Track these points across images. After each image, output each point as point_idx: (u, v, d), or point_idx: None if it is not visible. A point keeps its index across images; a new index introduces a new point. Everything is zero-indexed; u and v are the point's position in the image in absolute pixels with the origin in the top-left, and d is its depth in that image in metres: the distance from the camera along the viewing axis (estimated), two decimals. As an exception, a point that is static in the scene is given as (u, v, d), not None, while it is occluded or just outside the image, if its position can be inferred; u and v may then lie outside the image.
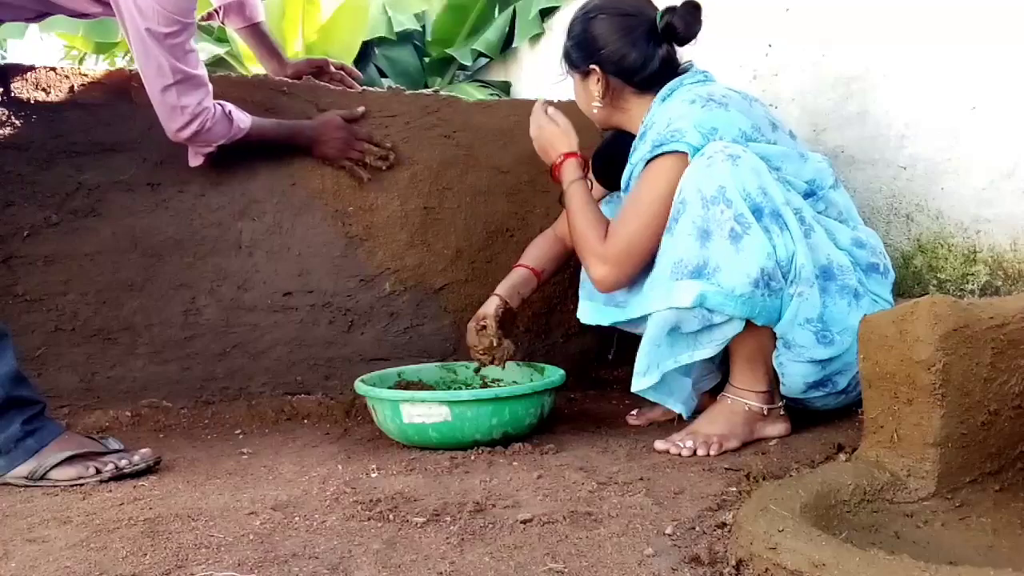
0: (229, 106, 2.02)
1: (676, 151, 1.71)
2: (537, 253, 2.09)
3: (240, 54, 4.98)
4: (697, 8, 1.82)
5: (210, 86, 1.98)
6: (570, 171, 1.86)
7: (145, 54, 1.88)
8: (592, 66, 1.84)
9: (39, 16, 2.07)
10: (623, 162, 1.91)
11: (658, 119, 1.79)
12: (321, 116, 2.22)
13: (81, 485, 1.60)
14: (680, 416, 1.96)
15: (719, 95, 1.76)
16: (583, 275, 2.02)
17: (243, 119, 2.05)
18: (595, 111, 1.89)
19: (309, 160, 2.24)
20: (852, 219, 1.86)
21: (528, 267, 2.07)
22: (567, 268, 2.18)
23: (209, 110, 1.96)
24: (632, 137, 1.89)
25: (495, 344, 1.95)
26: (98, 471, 1.62)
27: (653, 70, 1.83)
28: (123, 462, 1.64)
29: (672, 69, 1.85)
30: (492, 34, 4.86)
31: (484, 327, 1.95)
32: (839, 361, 1.72)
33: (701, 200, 1.63)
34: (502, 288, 2.02)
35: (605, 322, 1.88)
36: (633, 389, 1.74)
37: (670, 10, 1.82)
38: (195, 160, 2.08)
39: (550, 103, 1.99)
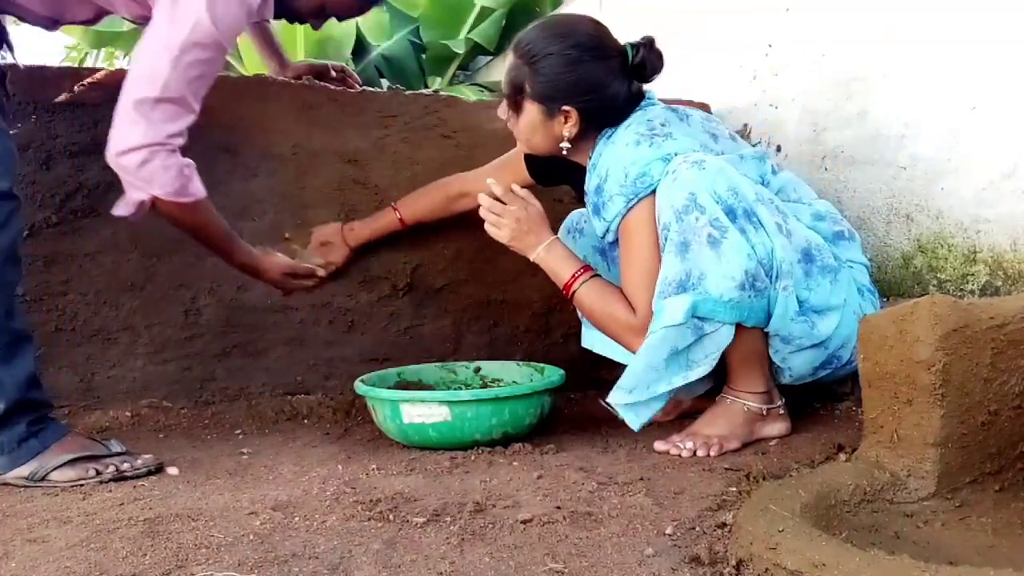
0: (192, 166, 1.78)
1: (648, 196, 1.70)
2: (416, 202, 2.18)
3: (241, 54, 4.98)
4: (659, 49, 1.80)
5: (192, 119, 1.74)
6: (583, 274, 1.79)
7: (151, 52, 1.70)
8: (568, 108, 1.76)
9: (55, 23, 1.99)
10: (555, 165, 1.92)
11: (609, 162, 1.76)
12: (270, 256, 2.05)
13: (81, 486, 1.60)
14: (680, 416, 1.96)
15: (659, 124, 1.75)
16: None
17: (197, 186, 1.79)
18: (564, 152, 1.81)
19: (309, 161, 2.24)
20: (804, 195, 1.88)
21: (398, 213, 2.19)
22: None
23: (169, 148, 1.72)
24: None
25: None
26: (98, 473, 1.62)
27: (626, 108, 1.81)
28: (125, 465, 1.64)
29: (637, 102, 1.82)
30: (490, 26, 4.85)
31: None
32: (837, 337, 1.74)
33: (675, 214, 1.63)
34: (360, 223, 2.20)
35: (622, 359, 1.89)
36: (611, 400, 1.71)
37: (639, 47, 1.78)
38: (122, 208, 1.79)
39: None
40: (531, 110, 1.79)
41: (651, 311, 1.68)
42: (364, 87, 2.35)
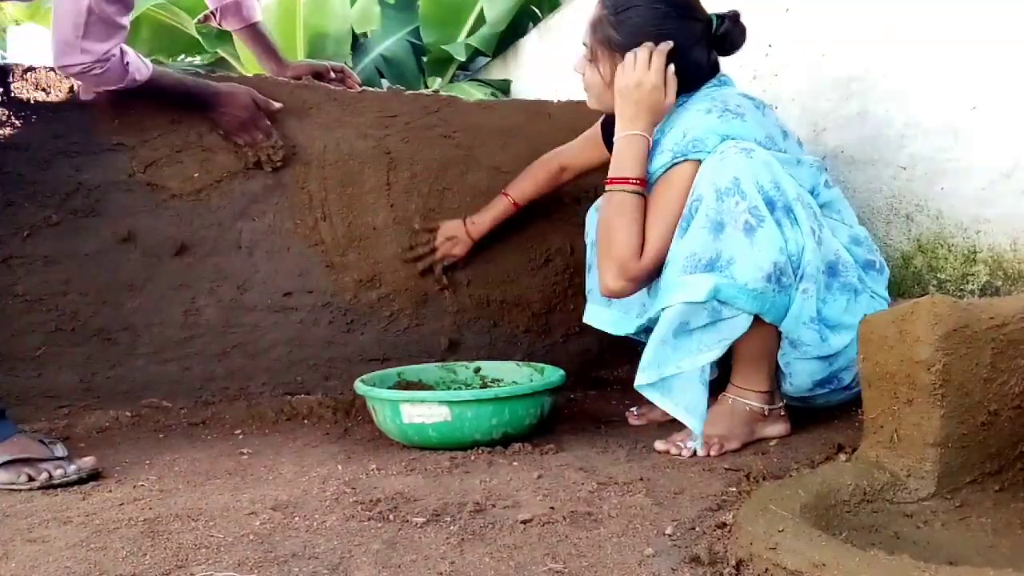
0: (129, 55, 1.93)
1: (695, 160, 1.69)
2: (524, 184, 2.23)
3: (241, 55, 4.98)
4: (743, 23, 1.82)
5: (125, 33, 1.89)
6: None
7: None
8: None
9: None
10: None
11: (676, 121, 1.77)
12: (234, 85, 2.13)
13: (16, 491, 1.58)
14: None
15: (734, 104, 1.75)
16: (590, 282, 2.02)
17: (142, 69, 1.96)
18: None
19: (309, 160, 2.23)
20: (848, 217, 1.87)
21: (510, 197, 2.24)
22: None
23: (109, 61, 1.87)
24: None
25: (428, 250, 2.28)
26: (30, 478, 1.60)
27: (701, 76, 1.81)
28: (58, 471, 1.61)
29: (711, 74, 1.83)
30: (488, 29, 4.84)
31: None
32: (844, 357, 1.73)
33: (715, 193, 1.63)
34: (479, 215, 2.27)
35: (632, 330, 1.89)
36: (636, 384, 1.69)
37: (724, 18, 1.80)
38: (87, 95, 2.03)
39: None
40: (609, 60, 1.79)
41: (653, 264, 1.69)
42: (364, 87, 2.35)
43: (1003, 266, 1.87)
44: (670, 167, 1.72)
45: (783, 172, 1.68)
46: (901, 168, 2.09)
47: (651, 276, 1.72)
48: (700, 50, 1.79)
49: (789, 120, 2.38)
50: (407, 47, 5.26)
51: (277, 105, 2.17)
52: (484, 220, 2.25)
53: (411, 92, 2.39)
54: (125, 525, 1.37)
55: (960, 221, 1.96)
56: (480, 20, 5.01)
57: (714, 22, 1.80)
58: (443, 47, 4.96)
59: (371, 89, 2.37)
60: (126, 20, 1.87)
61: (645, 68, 1.73)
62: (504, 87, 4.80)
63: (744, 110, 1.75)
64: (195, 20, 2.16)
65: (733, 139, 1.68)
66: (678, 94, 1.79)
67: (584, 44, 1.83)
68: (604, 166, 1.85)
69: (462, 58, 4.93)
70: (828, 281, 1.72)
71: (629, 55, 1.75)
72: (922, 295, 1.45)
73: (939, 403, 1.26)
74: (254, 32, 2.34)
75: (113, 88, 1.95)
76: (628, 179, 1.72)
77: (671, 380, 1.66)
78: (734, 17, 1.81)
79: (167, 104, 2.10)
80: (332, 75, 2.34)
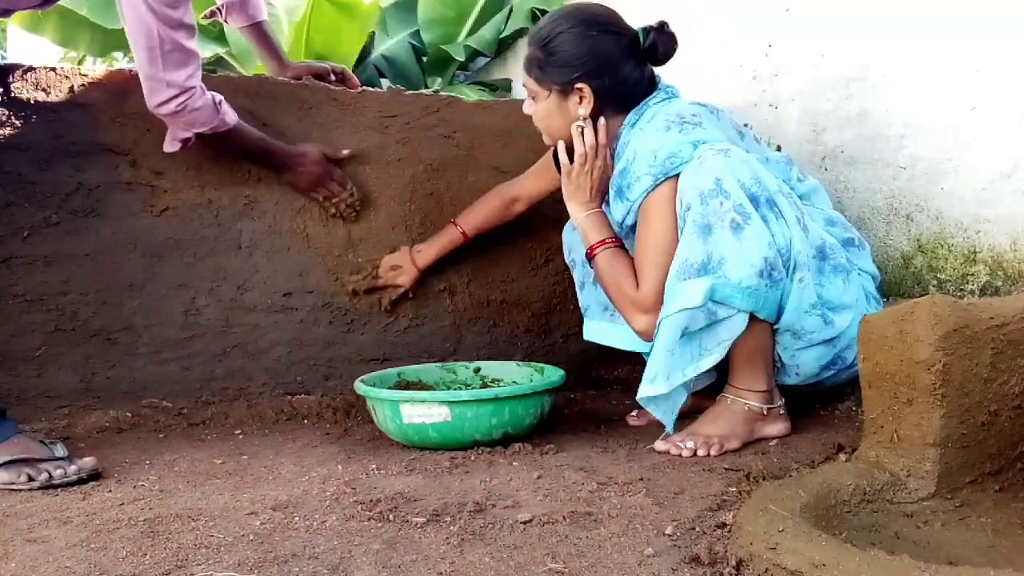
0: (219, 97, 1.96)
1: (675, 176, 1.70)
2: (475, 214, 2.23)
3: (239, 54, 4.96)
4: (671, 31, 1.82)
5: (199, 61, 1.90)
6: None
7: (136, 19, 1.81)
8: (581, 85, 1.77)
9: (46, 2, 2.04)
10: None
11: (637, 146, 1.76)
12: (304, 145, 2.19)
13: (16, 491, 1.58)
14: (680, 416, 1.96)
15: (689, 115, 1.76)
16: (585, 299, 2.02)
17: (229, 113, 2.00)
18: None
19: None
20: (821, 201, 1.90)
21: (459, 227, 2.23)
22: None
23: (196, 89, 1.89)
24: None
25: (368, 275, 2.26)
26: (30, 478, 1.59)
27: (639, 91, 1.82)
28: (57, 472, 1.60)
29: (650, 88, 1.84)
30: (488, 31, 4.84)
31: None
32: (845, 337, 1.75)
33: (699, 197, 1.64)
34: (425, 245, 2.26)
35: (626, 346, 1.89)
36: (639, 397, 1.70)
37: (650, 30, 1.80)
38: (172, 146, 2.01)
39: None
40: (547, 95, 1.81)
41: (656, 289, 1.69)
42: (364, 88, 2.35)
43: (1003, 266, 1.87)
44: (652, 190, 1.73)
45: (762, 167, 1.70)
46: (901, 168, 2.09)
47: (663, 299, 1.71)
48: (631, 65, 1.80)
49: (789, 120, 2.38)
50: (408, 48, 5.26)
51: (345, 152, 2.23)
52: (430, 250, 2.25)
53: (411, 92, 2.39)
54: (125, 525, 1.37)
55: (960, 221, 1.96)
56: (480, 20, 5.01)
57: (641, 36, 1.80)
58: (442, 47, 4.95)
59: (371, 89, 2.37)
60: (195, 45, 1.88)
61: (596, 164, 1.79)
62: (505, 86, 4.80)
63: (700, 118, 1.76)
64: (201, 16, 2.15)
65: (706, 143, 1.69)
66: (624, 112, 1.82)
67: (524, 86, 1.85)
68: (557, 192, 1.94)
69: (461, 58, 4.92)
70: (820, 265, 1.75)
71: (579, 148, 1.79)
72: (922, 295, 1.45)
73: (939, 403, 1.26)
74: (258, 31, 2.34)
75: (202, 131, 1.96)
76: (604, 241, 1.79)
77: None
78: (660, 27, 1.81)
79: (243, 158, 2.14)
80: (332, 77, 2.34)
